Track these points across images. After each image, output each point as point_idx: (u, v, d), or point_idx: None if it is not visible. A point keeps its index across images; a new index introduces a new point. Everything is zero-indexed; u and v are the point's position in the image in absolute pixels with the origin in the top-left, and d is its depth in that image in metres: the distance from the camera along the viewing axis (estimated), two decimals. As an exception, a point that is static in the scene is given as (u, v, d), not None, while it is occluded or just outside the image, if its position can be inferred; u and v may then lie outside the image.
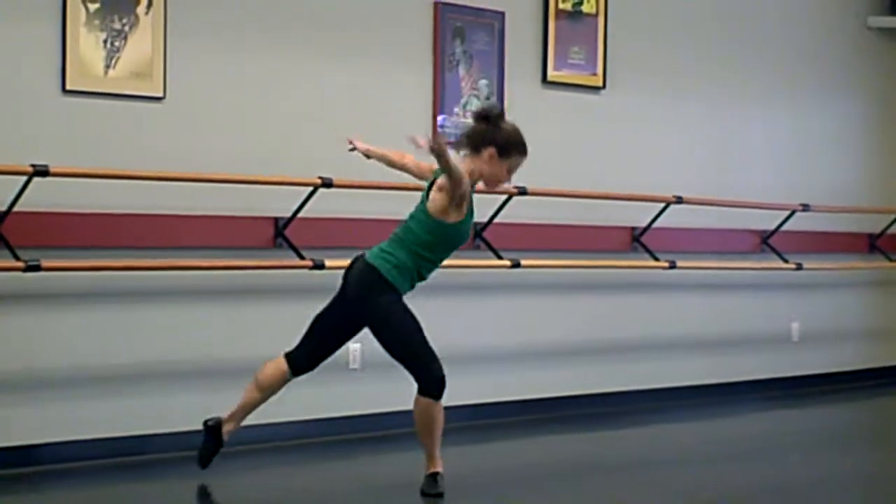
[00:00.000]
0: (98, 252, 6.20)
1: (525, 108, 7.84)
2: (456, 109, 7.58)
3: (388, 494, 5.85)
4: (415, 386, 5.57)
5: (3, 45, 6.03)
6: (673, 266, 8.34)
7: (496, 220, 7.47)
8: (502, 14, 7.79)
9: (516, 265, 7.51)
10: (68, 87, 6.17)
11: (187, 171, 6.41)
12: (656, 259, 8.33)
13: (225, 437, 5.87)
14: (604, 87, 8.31)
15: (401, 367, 5.63)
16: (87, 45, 6.21)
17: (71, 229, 6.13)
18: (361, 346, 6.73)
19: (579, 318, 8.27)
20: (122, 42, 6.31)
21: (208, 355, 6.63)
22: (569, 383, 8.20)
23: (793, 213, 9.09)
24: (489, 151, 5.59)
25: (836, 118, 9.85)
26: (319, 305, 5.77)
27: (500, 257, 7.49)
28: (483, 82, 7.71)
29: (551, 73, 8.05)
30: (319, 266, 6.63)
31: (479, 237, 7.49)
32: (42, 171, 5.85)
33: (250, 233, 6.72)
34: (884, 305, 10.24)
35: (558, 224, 8.00)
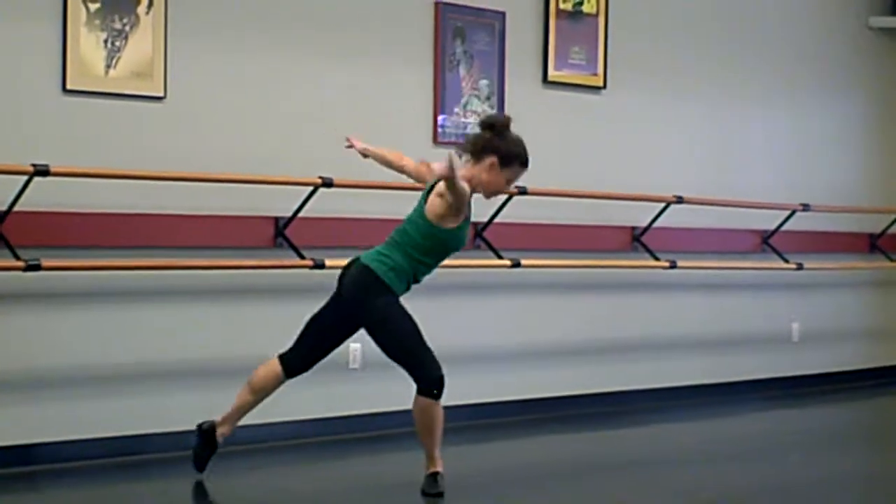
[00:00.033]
0: (98, 252, 6.20)
1: (525, 108, 7.84)
2: (456, 109, 7.58)
3: (389, 494, 5.85)
4: (415, 385, 5.58)
5: (4, 44, 6.03)
6: (673, 266, 8.34)
7: (496, 219, 7.47)
8: (503, 14, 7.80)
9: (516, 265, 7.51)
10: (69, 86, 6.17)
11: (188, 171, 6.42)
12: (657, 259, 8.33)
13: (219, 440, 5.87)
14: (604, 87, 8.31)
15: (400, 367, 5.64)
16: (88, 44, 6.21)
17: (71, 229, 6.13)
18: (361, 345, 6.73)
19: (580, 317, 8.27)
20: (123, 42, 6.31)
21: (208, 355, 6.63)
22: (569, 383, 8.20)
23: (793, 212, 9.09)
24: (491, 160, 5.59)
25: (836, 118, 9.85)
26: (320, 305, 5.77)
27: (500, 257, 7.49)
28: (483, 82, 7.71)
29: (552, 73, 8.05)
30: (320, 266, 6.63)
31: (479, 237, 7.49)
32: (42, 171, 5.85)
33: (251, 232, 6.72)
34: (884, 305, 10.24)
35: (559, 224, 8.00)
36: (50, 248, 6.02)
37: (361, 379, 7.11)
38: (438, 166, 5.35)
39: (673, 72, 8.73)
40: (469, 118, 7.62)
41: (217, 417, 5.89)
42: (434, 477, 5.64)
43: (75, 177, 6.03)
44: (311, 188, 6.71)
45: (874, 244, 9.95)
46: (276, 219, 6.79)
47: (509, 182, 5.71)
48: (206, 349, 6.64)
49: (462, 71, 7.61)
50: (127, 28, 6.32)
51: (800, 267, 9.12)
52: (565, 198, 7.87)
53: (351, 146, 6.13)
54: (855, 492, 6.18)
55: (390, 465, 6.54)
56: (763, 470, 6.43)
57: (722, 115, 9.06)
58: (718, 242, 8.94)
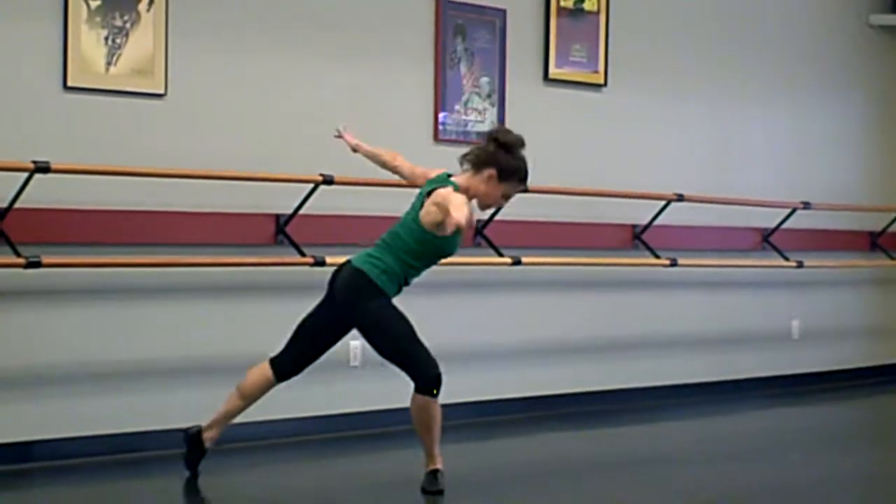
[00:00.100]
0: (99, 249, 6.20)
1: (526, 106, 7.86)
2: (457, 107, 7.58)
3: (389, 492, 5.85)
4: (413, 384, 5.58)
5: (5, 42, 6.04)
6: (674, 264, 8.34)
7: (497, 217, 7.47)
8: (504, 11, 7.79)
9: (517, 263, 7.51)
10: (69, 83, 6.17)
11: (188, 168, 6.42)
12: (657, 257, 8.33)
13: (207, 444, 5.87)
14: (605, 84, 8.31)
15: (398, 368, 5.64)
16: (89, 42, 6.21)
17: (72, 226, 6.14)
18: (362, 343, 6.72)
19: (580, 315, 8.28)
20: (124, 39, 6.31)
21: (208, 352, 6.64)
22: (569, 381, 8.20)
23: (793, 210, 9.09)
24: (489, 172, 5.60)
25: (836, 117, 9.84)
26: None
27: (500, 255, 7.49)
28: (484, 80, 7.71)
29: (552, 71, 8.05)
30: (320, 263, 6.63)
31: (479, 234, 7.49)
32: (43, 168, 5.85)
33: (251, 229, 6.72)
34: (884, 303, 10.24)
35: (559, 221, 8.00)
36: (50, 245, 6.03)
37: (362, 376, 7.11)
38: (457, 214, 5.25)
39: (673, 70, 8.73)
40: (470, 116, 7.62)
41: (203, 422, 5.89)
42: (434, 474, 5.64)
43: (76, 174, 6.04)
44: (311, 185, 6.71)
45: (874, 242, 9.95)
46: (277, 216, 6.80)
47: (506, 196, 5.72)
48: (206, 346, 6.64)
49: (463, 68, 7.61)
50: (128, 25, 6.32)
51: (800, 265, 9.12)
52: (566, 195, 7.88)
53: (339, 136, 6.13)
54: (855, 491, 6.18)
55: (390, 462, 6.54)
56: (763, 468, 6.43)
57: (722, 114, 9.06)
58: (719, 240, 8.94)
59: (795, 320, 9.59)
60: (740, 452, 6.99)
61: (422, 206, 5.59)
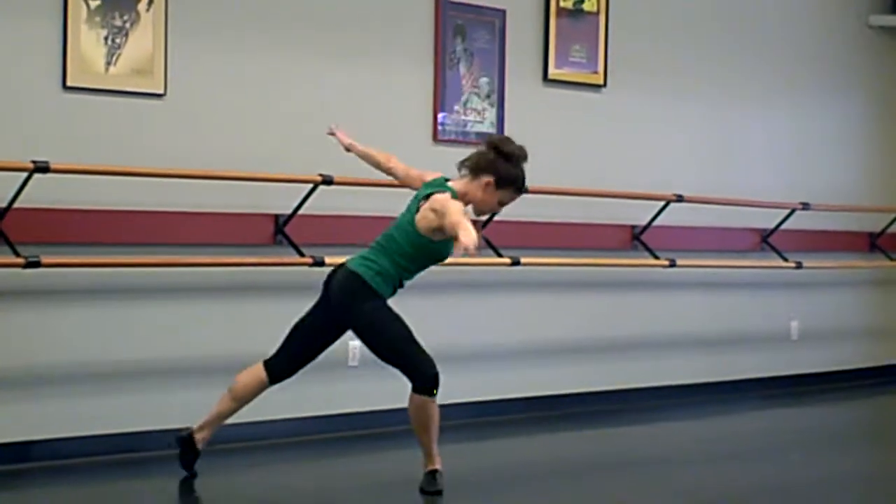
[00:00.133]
0: (98, 249, 6.20)
1: (526, 107, 7.86)
2: (456, 107, 7.58)
3: (388, 492, 5.85)
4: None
5: (4, 41, 6.03)
6: (673, 264, 8.34)
7: (496, 218, 7.46)
8: (503, 12, 7.79)
9: (516, 263, 7.51)
10: (69, 83, 6.17)
11: (188, 168, 6.42)
12: (656, 257, 8.33)
13: (199, 446, 5.87)
14: (604, 85, 8.31)
15: (395, 369, 5.64)
16: (88, 41, 6.21)
17: (71, 226, 6.14)
18: (360, 343, 6.72)
19: (579, 316, 8.27)
20: (123, 39, 6.31)
21: (208, 352, 6.64)
22: (569, 381, 8.20)
23: (793, 211, 9.09)
24: (487, 179, 5.60)
25: (836, 116, 9.85)
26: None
27: (500, 255, 7.49)
28: (484, 80, 7.71)
29: (552, 71, 8.05)
30: (319, 263, 6.63)
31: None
32: (42, 168, 5.85)
33: (250, 230, 6.72)
34: (883, 304, 10.24)
35: (558, 222, 8.00)
36: (50, 245, 6.03)
37: (361, 376, 7.11)
38: (466, 239, 5.14)
39: (673, 70, 8.73)
40: (469, 116, 7.62)
41: (194, 424, 5.88)
42: (433, 474, 5.64)
43: (75, 174, 6.03)
44: (310, 186, 6.71)
45: (874, 243, 9.95)
46: (276, 216, 6.80)
47: (501, 204, 5.73)
48: (205, 346, 6.64)
49: (462, 69, 7.61)
50: (127, 25, 6.32)
51: (799, 266, 9.12)
52: (565, 196, 7.88)
53: (332, 134, 6.13)
54: (855, 491, 6.18)
55: (390, 462, 6.54)
56: (762, 469, 6.43)
57: (722, 114, 9.06)
58: (718, 241, 8.94)
59: (794, 321, 9.59)
60: (740, 453, 6.99)
61: (418, 209, 5.58)
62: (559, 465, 6.62)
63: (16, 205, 5.88)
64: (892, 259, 9.90)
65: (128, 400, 6.39)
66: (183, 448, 5.88)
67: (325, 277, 5.73)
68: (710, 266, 8.74)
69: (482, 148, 5.69)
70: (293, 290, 6.65)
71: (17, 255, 5.86)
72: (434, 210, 5.49)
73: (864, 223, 9.92)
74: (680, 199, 8.36)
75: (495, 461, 6.69)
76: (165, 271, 6.41)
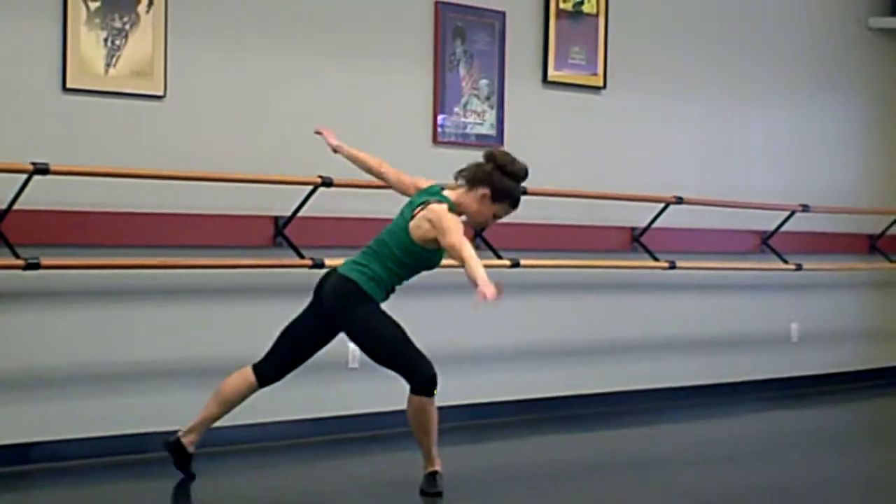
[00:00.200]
0: (98, 250, 6.20)
1: (525, 108, 7.87)
2: (456, 109, 7.58)
3: (388, 493, 5.85)
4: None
5: (4, 43, 6.03)
6: (673, 266, 8.34)
7: (496, 219, 7.47)
8: (503, 14, 7.80)
9: (516, 265, 7.51)
10: (69, 85, 6.17)
11: (187, 170, 6.42)
12: (656, 259, 8.33)
13: (190, 449, 5.85)
14: (604, 87, 8.31)
15: (392, 372, 5.64)
16: (88, 43, 6.21)
17: (71, 227, 6.13)
18: (361, 345, 6.74)
19: (579, 317, 8.27)
20: (123, 41, 6.31)
21: (207, 354, 6.63)
22: (568, 383, 8.20)
23: (792, 213, 9.09)
24: (483, 191, 5.59)
25: (836, 118, 9.85)
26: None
27: (499, 257, 7.49)
28: (483, 82, 7.71)
29: (552, 73, 8.05)
30: (319, 265, 6.63)
31: (478, 236, 7.48)
32: (42, 170, 5.85)
33: (250, 231, 6.72)
34: (883, 306, 10.24)
35: (558, 224, 8.00)
36: (49, 247, 6.02)
37: (360, 379, 7.11)
38: (485, 289, 5.22)
39: (673, 72, 8.73)
40: (469, 118, 7.62)
41: (181, 429, 5.86)
42: (433, 476, 5.64)
43: (75, 175, 6.03)
44: (310, 187, 6.71)
45: (873, 245, 9.95)
46: (276, 218, 6.80)
47: (496, 217, 5.72)
48: (205, 348, 6.64)
49: (462, 71, 7.61)
50: (127, 27, 6.32)
51: (799, 267, 9.12)
52: (565, 198, 7.88)
53: (319, 133, 6.11)
54: (854, 493, 6.18)
55: (389, 464, 6.54)
56: (762, 470, 6.43)
57: (722, 115, 9.06)
58: (718, 243, 8.94)
59: (794, 323, 9.59)
60: (739, 455, 6.99)
61: (412, 216, 5.58)
62: (558, 466, 6.63)
63: (15, 206, 5.88)
64: (891, 261, 9.90)
65: (127, 402, 6.39)
66: (172, 453, 5.86)
67: (315, 283, 5.73)
68: (710, 268, 8.75)
69: (481, 160, 5.68)
70: (293, 291, 6.63)
71: (17, 256, 5.86)
72: (430, 221, 5.49)
73: (864, 225, 9.92)
74: (680, 200, 8.36)
75: (495, 463, 6.69)
76: (165, 273, 6.41)
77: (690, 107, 8.84)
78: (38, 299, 6.12)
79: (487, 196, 5.60)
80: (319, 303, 5.66)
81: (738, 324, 9.19)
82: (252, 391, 5.80)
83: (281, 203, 6.76)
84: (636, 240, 8.41)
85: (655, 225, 8.37)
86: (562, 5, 8.06)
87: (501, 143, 7.67)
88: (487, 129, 7.68)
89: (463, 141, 7.55)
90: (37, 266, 5.86)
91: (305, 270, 6.66)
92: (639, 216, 8.38)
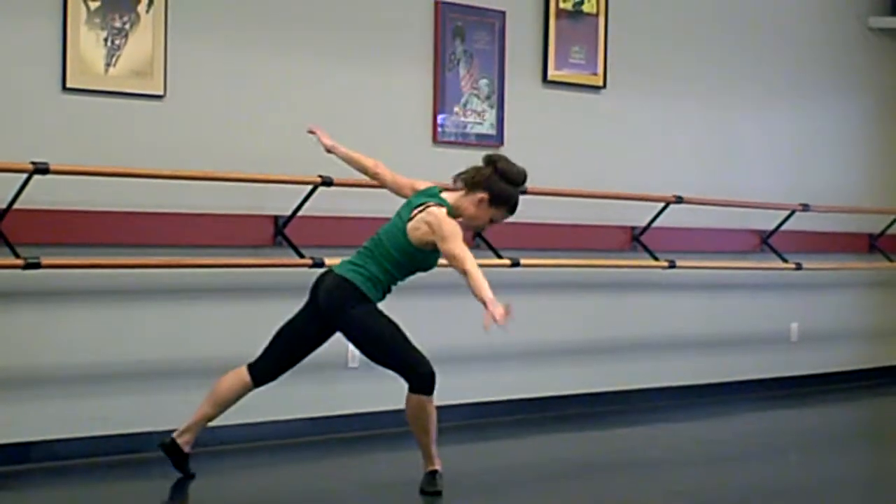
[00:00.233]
0: (98, 250, 6.20)
1: (525, 108, 7.87)
2: (456, 108, 7.58)
3: (388, 492, 5.86)
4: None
5: (4, 42, 6.03)
6: (672, 266, 8.34)
7: (496, 219, 7.47)
8: (503, 13, 7.80)
9: (516, 264, 7.51)
10: (69, 84, 6.17)
11: (187, 170, 6.42)
12: (656, 259, 8.33)
13: (186, 449, 5.84)
14: (604, 86, 8.31)
15: (391, 371, 5.64)
16: (88, 43, 6.21)
17: (71, 227, 6.14)
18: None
19: (578, 317, 8.27)
20: (123, 40, 6.31)
21: (207, 353, 6.63)
22: (568, 382, 8.20)
23: (792, 212, 9.09)
24: (481, 195, 5.60)
25: (836, 118, 9.85)
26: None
27: (499, 256, 7.49)
28: (483, 81, 7.71)
29: (552, 73, 8.05)
30: (319, 264, 6.63)
31: (478, 236, 7.49)
32: (42, 169, 5.85)
33: (250, 231, 6.72)
34: (883, 306, 10.24)
35: (558, 223, 8.00)
36: (49, 246, 6.03)
37: (360, 378, 7.10)
38: (494, 310, 5.33)
39: (673, 71, 8.73)
40: (469, 117, 7.62)
41: (176, 430, 5.87)
42: (433, 475, 5.65)
43: (75, 175, 6.03)
44: (310, 187, 6.71)
45: (873, 244, 9.95)
46: (276, 217, 6.80)
47: (493, 221, 5.73)
48: (205, 347, 6.64)
49: (462, 70, 7.61)
50: (127, 26, 6.32)
51: (799, 267, 9.12)
52: (565, 197, 7.88)
53: (312, 132, 6.10)
54: (854, 493, 6.18)
55: (389, 463, 6.54)
56: (761, 470, 6.44)
57: (722, 115, 9.06)
58: (718, 242, 8.94)
59: (794, 322, 9.59)
60: (739, 454, 7.00)
61: (410, 217, 5.58)
62: (558, 466, 6.63)
63: (15, 206, 5.88)
64: (891, 260, 9.90)
65: (127, 401, 6.39)
66: (168, 454, 5.86)
67: (312, 283, 5.73)
68: (710, 267, 8.75)
69: (480, 163, 5.68)
70: (293, 291, 6.63)
71: (17, 256, 5.86)
72: (429, 224, 5.50)
73: (864, 224, 9.92)
74: (679, 200, 8.36)
75: (495, 462, 6.69)
76: (165, 272, 6.41)
77: (690, 106, 8.84)
78: (38, 299, 6.12)
79: (485, 200, 5.61)
80: (315, 303, 5.66)
81: (738, 323, 9.19)
82: (247, 391, 5.81)
83: (281, 202, 6.76)
84: (636, 239, 8.41)
85: (655, 224, 8.37)
86: (562, 5, 8.06)
87: (501, 142, 7.68)
88: (487, 128, 7.68)
89: (463, 140, 7.55)
90: (37, 266, 5.86)
91: (305, 270, 6.65)
92: (638, 216, 8.38)
